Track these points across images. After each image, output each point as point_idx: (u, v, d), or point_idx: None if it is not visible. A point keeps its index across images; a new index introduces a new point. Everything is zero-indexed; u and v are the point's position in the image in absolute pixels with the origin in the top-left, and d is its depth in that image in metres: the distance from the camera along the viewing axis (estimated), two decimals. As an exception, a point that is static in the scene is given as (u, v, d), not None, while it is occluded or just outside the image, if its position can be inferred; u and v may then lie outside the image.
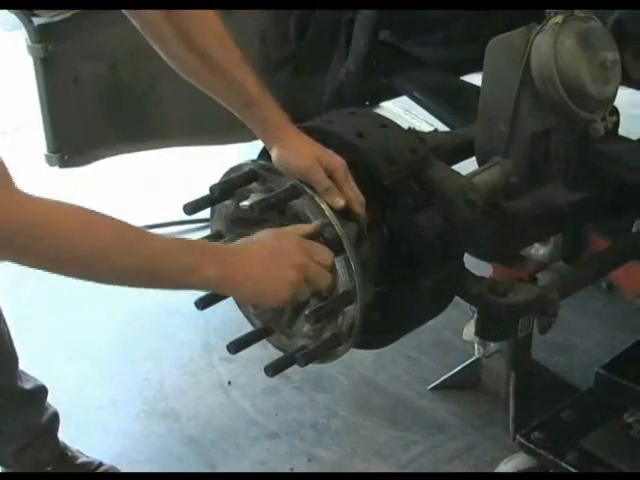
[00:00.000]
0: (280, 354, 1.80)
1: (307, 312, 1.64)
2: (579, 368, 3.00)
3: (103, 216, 1.43)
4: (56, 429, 2.55)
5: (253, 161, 1.77)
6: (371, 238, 1.73)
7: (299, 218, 1.69)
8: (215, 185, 1.72)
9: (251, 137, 2.93)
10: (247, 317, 1.88)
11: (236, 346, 1.78)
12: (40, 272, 1.39)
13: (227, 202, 1.78)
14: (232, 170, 1.77)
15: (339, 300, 1.66)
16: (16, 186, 1.35)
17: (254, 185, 1.73)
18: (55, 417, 2.54)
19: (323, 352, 1.72)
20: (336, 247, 1.63)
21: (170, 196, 3.99)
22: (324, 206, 1.65)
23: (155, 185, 4.38)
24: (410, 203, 1.73)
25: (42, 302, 3.48)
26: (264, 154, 1.86)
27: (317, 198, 1.66)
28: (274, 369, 1.71)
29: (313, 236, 1.61)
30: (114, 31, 2.51)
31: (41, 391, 2.50)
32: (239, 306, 1.87)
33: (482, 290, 1.92)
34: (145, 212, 4.00)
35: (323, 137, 1.78)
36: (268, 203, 1.66)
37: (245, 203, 1.72)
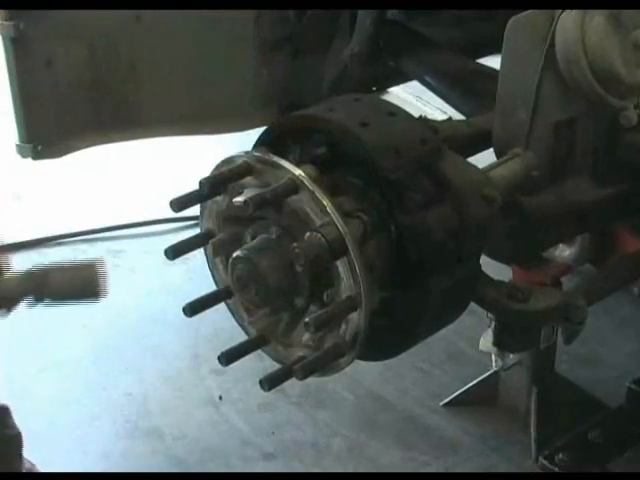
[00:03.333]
0: (277, 366, 1.80)
1: (306, 319, 1.65)
2: (608, 383, 3.00)
3: None
4: (17, 454, 2.50)
5: (247, 153, 1.77)
6: (377, 238, 1.73)
7: (297, 215, 1.69)
8: (204, 179, 1.72)
9: (243, 126, 2.97)
10: (240, 325, 1.89)
11: (228, 357, 1.78)
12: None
13: (218, 198, 1.78)
14: (224, 163, 1.77)
15: (342, 306, 1.66)
16: None
17: (248, 179, 1.73)
18: (18, 437, 2.49)
19: (324, 363, 1.72)
20: (338, 248, 1.63)
21: (157, 192, 3.99)
22: (326, 203, 1.65)
23: (141, 180, 4.39)
24: (420, 199, 1.73)
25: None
26: (260, 144, 1.86)
27: (318, 194, 1.66)
28: (270, 382, 1.71)
29: None
30: (93, 10, 2.52)
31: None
32: (232, 314, 1.88)
33: (500, 296, 1.92)
34: (131, 209, 4.01)
35: (323, 126, 1.78)
36: (264, 199, 1.66)
37: (239, 199, 1.71)
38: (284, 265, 1.69)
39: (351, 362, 1.74)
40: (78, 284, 1.69)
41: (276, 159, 1.71)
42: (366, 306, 1.65)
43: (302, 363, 1.70)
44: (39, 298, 1.67)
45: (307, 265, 1.66)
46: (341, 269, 1.65)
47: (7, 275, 1.63)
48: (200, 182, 1.72)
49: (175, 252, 1.77)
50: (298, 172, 1.67)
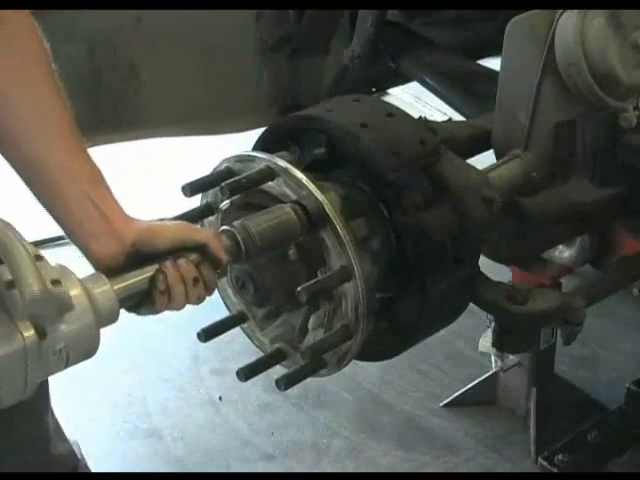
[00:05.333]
0: (276, 367, 1.80)
1: (298, 289, 1.64)
2: (607, 384, 3.00)
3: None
4: None
5: (228, 157, 1.77)
6: (368, 222, 1.73)
7: (280, 201, 1.69)
8: (186, 184, 1.72)
9: (243, 127, 2.97)
10: (258, 347, 1.87)
11: (246, 373, 1.76)
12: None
13: (211, 219, 1.79)
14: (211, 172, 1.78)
15: (334, 275, 1.66)
16: None
17: None
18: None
19: (332, 344, 1.70)
20: (320, 217, 1.64)
21: (157, 192, 4.00)
22: (300, 176, 1.66)
23: (141, 180, 4.39)
24: (418, 200, 1.73)
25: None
26: (259, 145, 1.87)
27: (292, 170, 1.67)
28: (287, 381, 1.69)
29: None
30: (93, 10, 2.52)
31: None
32: (250, 338, 1.87)
33: (499, 297, 1.93)
34: (130, 210, 4.00)
35: (322, 127, 1.78)
36: (238, 184, 1.66)
37: (225, 203, 1.73)
38: (277, 257, 1.70)
39: (360, 342, 1.71)
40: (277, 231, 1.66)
41: (251, 152, 1.74)
42: (359, 272, 1.64)
43: (310, 344, 1.70)
44: (248, 254, 1.63)
45: (298, 249, 1.67)
46: (327, 240, 1.65)
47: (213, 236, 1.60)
48: (182, 187, 1.71)
49: None
50: (270, 156, 1.69)
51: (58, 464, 2.32)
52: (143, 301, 1.58)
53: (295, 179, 1.66)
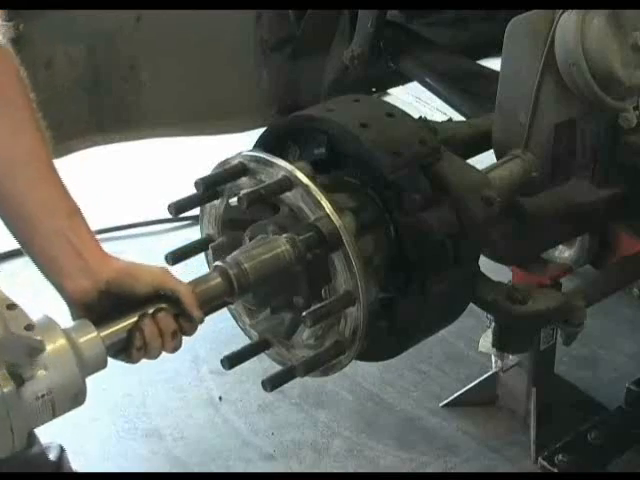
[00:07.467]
0: (276, 367, 1.80)
1: (304, 313, 1.64)
2: (607, 384, 3.00)
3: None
4: None
5: (241, 153, 1.77)
6: (375, 237, 1.74)
7: (293, 212, 1.69)
8: (200, 180, 1.72)
9: (243, 127, 2.96)
10: (242, 329, 1.89)
11: (230, 361, 1.78)
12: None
13: (216, 202, 1.79)
14: (220, 164, 1.77)
15: (340, 300, 1.66)
16: None
17: (244, 180, 1.74)
18: None
19: (325, 360, 1.72)
20: (334, 241, 1.64)
21: (157, 192, 3.99)
22: (320, 197, 1.66)
23: (141, 180, 4.38)
24: (418, 200, 1.73)
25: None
26: (259, 145, 1.86)
27: (312, 189, 1.66)
28: (272, 383, 1.71)
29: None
30: (93, 10, 2.52)
31: None
32: (235, 319, 1.88)
33: (499, 297, 1.93)
34: (131, 210, 4.01)
35: (322, 127, 1.78)
36: (258, 195, 1.66)
37: (234, 199, 1.72)
38: None
39: (351, 359, 1.74)
40: (271, 265, 1.65)
41: (270, 157, 1.72)
42: (364, 300, 1.65)
43: (303, 360, 1.71)
44: (241, 290, 1.62)
45: (304, 262, 1.66)
46: (337, 263, 1.66)
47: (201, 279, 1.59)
48: (195, 182, 1.72)
49: (175, 258, 1.77)
50: (291, 168, 1.68)
51: (35, 463, 2.30)
52: (120, 351, 1.59)
53: (313, 198, 1.66)
